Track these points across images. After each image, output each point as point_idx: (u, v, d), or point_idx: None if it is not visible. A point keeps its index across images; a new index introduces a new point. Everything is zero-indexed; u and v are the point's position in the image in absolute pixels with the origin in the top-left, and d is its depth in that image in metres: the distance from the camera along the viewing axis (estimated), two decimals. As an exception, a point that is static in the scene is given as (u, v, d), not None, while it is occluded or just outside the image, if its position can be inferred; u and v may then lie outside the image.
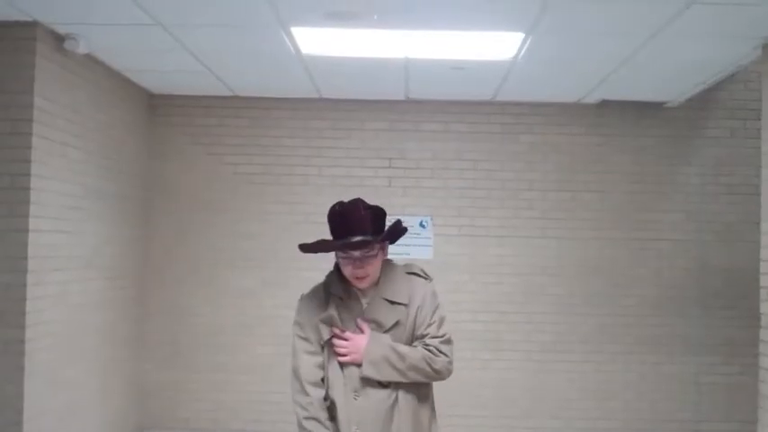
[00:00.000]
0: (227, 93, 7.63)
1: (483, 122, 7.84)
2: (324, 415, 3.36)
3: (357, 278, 3.37)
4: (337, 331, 3.37)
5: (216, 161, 7.81)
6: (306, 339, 3.46)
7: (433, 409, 3.60)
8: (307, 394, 3.37)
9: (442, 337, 3.43)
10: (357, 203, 3.43)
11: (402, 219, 3.72)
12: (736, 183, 7.76)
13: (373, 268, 3.38)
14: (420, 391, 3.45)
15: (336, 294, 3.43)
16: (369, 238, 3.31)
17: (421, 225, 7.77)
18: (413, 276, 3.55)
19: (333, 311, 3.40)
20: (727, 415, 7.67)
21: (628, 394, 7.71)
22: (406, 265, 3.62)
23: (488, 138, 7.84)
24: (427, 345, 3.39)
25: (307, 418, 3.36)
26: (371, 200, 7.53)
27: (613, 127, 7.82)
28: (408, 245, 7.71)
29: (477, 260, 7.77)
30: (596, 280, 7.75)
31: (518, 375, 7.73)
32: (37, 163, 5.43)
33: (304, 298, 3.55)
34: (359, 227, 3.31)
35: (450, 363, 3.45)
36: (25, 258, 5.32)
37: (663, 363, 7.72)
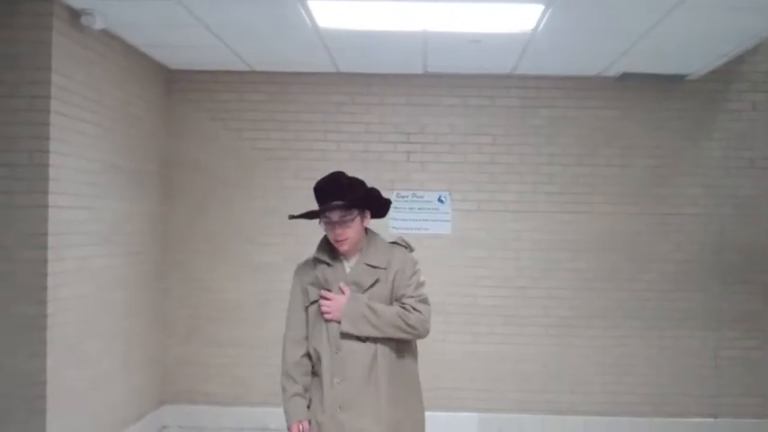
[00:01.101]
0: (245, 68, 7.62)
1: (502, 96, 7.79)
2: (300, 371, 3.82)
3: (337, 240, 3.79)
4: (323, 292, 3.78)
5: (234, 137, 7.82)
6: (294, 301, 3.93)
7: (414, 367, 4.01)
8: (288, 352, 3.85)
9: (417, 296, 3.82)
10: (337, 175, 3.88)
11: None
12: (758, 156, 7.70)
13: (352, 231, 3.79)
14: (399, 347, 3.84)
15: (324, 260, 3.87)
16: (342, 202, 3.73)
17: (439, 200, 7.75)
18: (394, 245, 3.96)
19: (319, 274, 3.84)
20: (746, 389, 7.66)
21: (646, 369, 7.70)
22: (390, 237, 4.06)
23: (507, 112, 7.79)
24: (403, 303, 3.79)
25: (284, 373, 3.84)
26: (389, 175, 7.59)
27: (634, 100, 7.75)
28: (427, 220, 7.74)
29: (496, 235, 7.75)
30: (615, 255, 7.72)
31: (536, 350, 7.73)
32: (55, 140, 5.44)
33: (299, 266, 4.00)
34: (337, 194, 3.75)
35: (426, 321, 3.82)
36: (45, 234, 5.36)
37: (682, 337, 7.70)
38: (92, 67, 6.05)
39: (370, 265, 3.82)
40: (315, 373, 3.85)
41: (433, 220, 7.74)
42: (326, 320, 3.76)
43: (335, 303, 3.75)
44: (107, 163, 6.40)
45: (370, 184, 7.78)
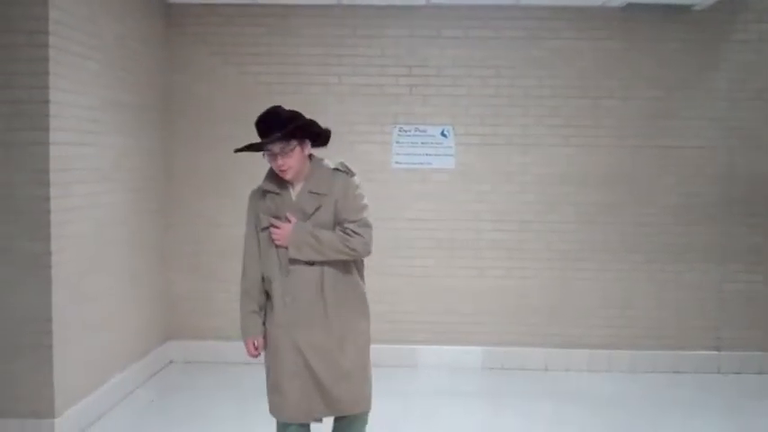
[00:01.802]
0: (245, 0, 7.51)
1: (506, 28, 7.69)
2: (256, 290, 4.19)
3: (281, 170, 4.05)
4: (272, 220, 4.08)
5: (235, 71, 7.74)
6: (249, 227, 4.24)
7: (359, 284, 4.29)
8: (246, 273, 4.23)
9: (358, 221, 4.09)
10: (275, 109, 4.07)
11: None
12: (764, 88, 7.63)
13: (293, 160, 4.03)
14: (345, 267, 4.14)
15: (271, 190, 4.14)
16: (280, 134, 3.95)
17: (442, 134, 7.70)
18: (337, 171, 4.16)
19: (269, 203, 4.13)
20: (750, 322, 7.70)
21: (650, 302, 7.73)
22: (333, 163, 4.22)
23: (511, 44, 7.70)
24: (344, 228, 4.06)
25: (242, 292, 4.23)
26: (392, 108, 7.54)
27: (639, 31, 7.65)
28: (430, 154, 7.70)
29: (500, 169, 7.72)
30: (619, 188, 7.70)
31: (540, 284, 7.76)
32: (54, 75, 5.39)
33: (251, 194, 4.27)
34: (276, 126, 3.96)
35: (367, 243, 4.12)
36: (47, 171, 5.34)
37: (685, 271, 7.71)
38: (90, 2, 5.96)
39: (313, 192, 4.09)
40: (267, 293, 4.18)
41: (436, 155, 7.71)
42: (277, 246, 4.07)
43: (283, 231, 4.03)
44: (108, 99, 6.35)
45: (372, 119, 7.78)
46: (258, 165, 7.67)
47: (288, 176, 4.06)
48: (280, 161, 4.01)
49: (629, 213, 7.71)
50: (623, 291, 7.74)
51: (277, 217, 4.08)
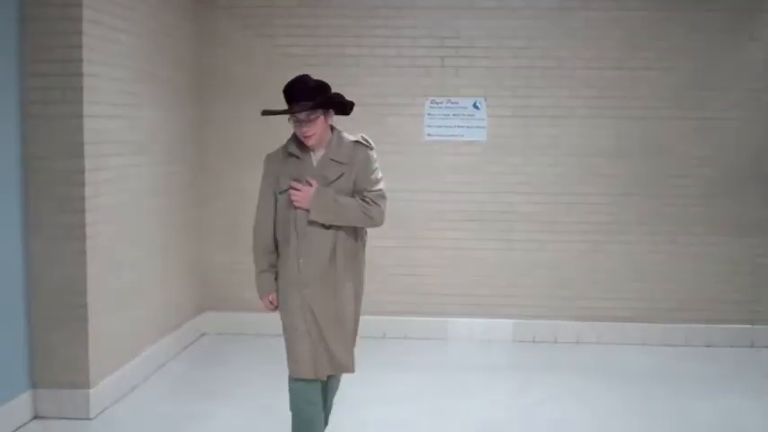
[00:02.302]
0: (276, -28, 7.49)
1: (539, -1, 7.63)
2: (269, 250, 4.36)
3: (305, 136, 4.20)
4: (293, 183, 4.20)
5: (266, 44, 7.72)
6: (265, 188, 4.37)
7: (362, 251, 4.47)
8: (259, 233, 4.37)
9: (377, 191, 4.29)
10: (303, 77, 4.26)
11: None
12: (803, 58, 7.51)
13: (317, 128, 4.19)
14: (355, 234, 4.33)
15: (293, 154, 4.29)
16: (308, 103, 4.12)
17: (475, 106, 7.66)
18: (357, 143, 4.33)
19: (291, 166, 4.27)
20: (785, 295, 7.64)
21: (683, 276, 7.68)
22: (353, 135, 4.39)
23: (544, 14, 7.62)
24: (364, 197, 4.25)
25: (255, 250, 4.39)
26: (423, 81, 7.52)
27: (674, 1, 7.54)
28: (462, 126, 7.67)
29: (532, 141, 7.67)
30: (653, 160, 7.63)
31: (572, 257, 7.72)
32: (88, 48, 5.40)
33: (269, 155, 4.43)
34: (302, 95, 4.14)
35: (383, 213, 4.30)
36: (81, 144, 5.37)
37: (720, 244, 7.64)
38: (122, -26, 5.97)
39: (334, 161, 4.25)
40: (279, 253, 4.34)
41: (468, 127, 7.67)
42: (295, 208, 4.20)
43: (304, 194, 4.16)
44: (141, 72, 6.37)
45: (404, 91, 7.73)
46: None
47: (311, 142, 4.21)
48: (305, 128, 4.17)
49: (662, 186, 7.64)
50: (656, 264, 7.69)
51: (297, 180, 4.21)
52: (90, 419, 5.47)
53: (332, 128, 4.33)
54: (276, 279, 4.37)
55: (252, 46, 7.73)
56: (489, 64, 7.66)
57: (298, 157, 4.28)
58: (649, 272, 7.69)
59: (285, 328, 4.33)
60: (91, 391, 5.50)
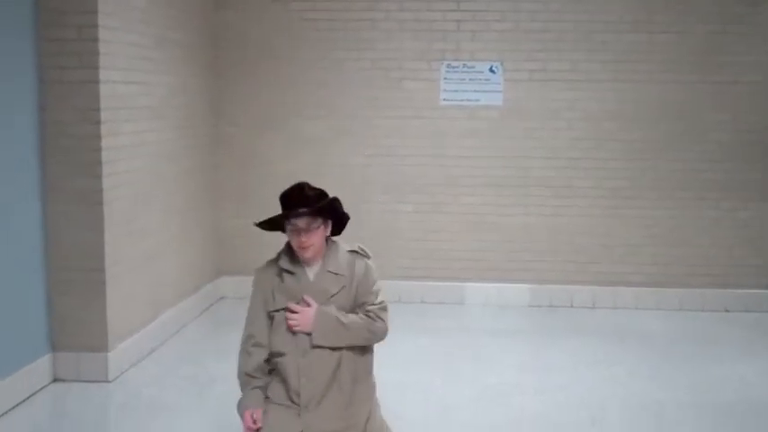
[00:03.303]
0: (291, -64, 7.44)
1: (556, -39, 7.55)
2: (262, 372, 3.89)
3: (302, 247, 3.81)
4: (290, 305, 3.81)
5: (281, 8, 7.69)
6: (256, 307, 3.96)
7: (371, 363, 4.02)
8: (249, 354, 3.90)
9: (379, 304, 3.90)
10: (302, 184, 3.97)
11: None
12: (823, 20, 7.41)
13: (316, 238, 3.83)
14: (361, 349, 3.92)
15: (287, 269, 3.90)
16: (308, 209, 3.79)
17: (491, 70, 7.61)
18: (354, 254, 3.98)
19: (286, 283, 3.88)
20: (803, 260, 7.61)
21: (700, 240, 7.65)
22: (348, 245, 4.03)
23: (561, -23, 7.56)
24: (368, 311, 3.87)
25: (246, 374, 3.89)
26: (439, 45, 7.47)
27: (694, -37, 7.46)
28: (477, 91, 7.63)
29: (548, 105, 7.63)
30: (670, 124, 7.57)
31: (588, 222, 7.70)
32: (103, 14, 5.39)
33: (259, 270, 4.01)
34: (303, 202, 3.82)
35: (387, 328, 3.92)
36: (98, 110, 5.38)
37: (737, 209, 7.60)
38: (136, -62, 5.95)
39: (332, 273, 3.89)
40: (272, 370, 3.93)
41: (484, 91, 7.63)
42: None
43: (303, 316, 3.81)
44: (157, 37, 6.36)
45: (420, 55, 7.68)
46: (307, 103, 7.68)
47: (308, 254, 3.84)
48: (303, 237, 3.79)
49: (680, 150, 7.59)
50: (673, 228, 7.66)
51: (293, 298, 3.85)
52: (108, 382, 5.53)
53: (327, 239, 3.95)
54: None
55: (267, 10, 7.69)
56: (505, 28, 7.60)
57: (291, 273, 3.89)
58: (666, 236, 7.67)
59: None
60: (109, 354, 5.56)
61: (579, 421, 4.98)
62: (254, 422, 3.77)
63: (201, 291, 7.41)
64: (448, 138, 7.70)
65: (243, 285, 8.02)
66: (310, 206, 3.81)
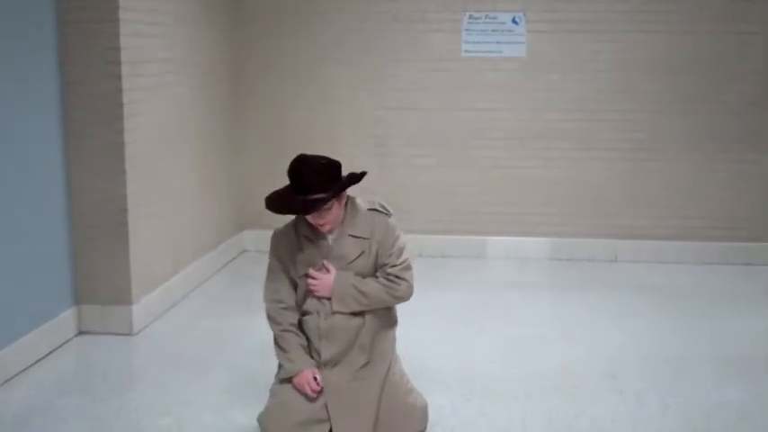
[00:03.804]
0: None
1: None
2: (295, 328, 3.89)
3: (318, 225, 3.77)
4: (310, 271, 3.80)
5: (302, -42, 7.63)
6: (276, 270, 3.93)
7: (394, 326, 4.05)
8: (280, 314, 3.88)
9: (401, 264, 3.85)
10: (307, 162, 3.73)
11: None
12: None
13: (331, 217, 3.75)
14: (384, 312, 3.93)
15: (305, 234, 3.85)
16: (321, 195, 3.63)
17: (513, 21, 7.52)
18: (374, 212, 3.89)
19: (304, 248, 3.84)
20: (827, 213, 7.54)
21: (723, 193, 7.59)
22: (368, 202, 3.93)
23: (585, -74, 7.43)
24: (388, 274, 3.83)
25: (283, 331, 3.88)
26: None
27: None
28: (500, 42, 7.56)
29: (571, 57, 7.54)
30: (694, 76, 7.48)
31: (609, 174, 7.65)
32: (122, -36, 5.37)
33: (277, 235, 3.95)
34: (311, 184, 3.65)
35: (411, 286, 3.89)
36: (119, 63, 5.36)
37: (761, 161, 7.52)
38: None
39: (353, 236, 3.83)
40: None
41: (506, 43, 7.55)
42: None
43: (322, 283, 3.79)
44: (175, -11, 6.33)
45: (441, 6, 7.57)
46: (327, 56, 7.63)
47: (326, 229, 3.81)
48: (319, 221, 3.75)
49: (703, 101, 7.50)
50: (696, 181, 7.60)
51: (312, 264, 3.83)
52: (133, 335, 5.60)
53: (345, 202, 3.87)
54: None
55: (287, -39, 7.64)
56: (528, -22, 7.51)
57: (310, 240, 3.85)
58: (688, 189, 7.61)
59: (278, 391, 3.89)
60: (133, 307, 5.61)
61: (600, 374, 4.99)
62: (317, 381, 3.78)
63: (224, 244, 7.45)
64: (469, 90, 7.64)
65: (265, 240, 8.00)
66: (320, 189, 3.65)
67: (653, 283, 7.03)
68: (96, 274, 5.55)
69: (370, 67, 7.64)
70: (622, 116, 7.56)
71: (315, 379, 3.78)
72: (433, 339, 5.53)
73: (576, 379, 4.92)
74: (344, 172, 3.82)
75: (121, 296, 5.58)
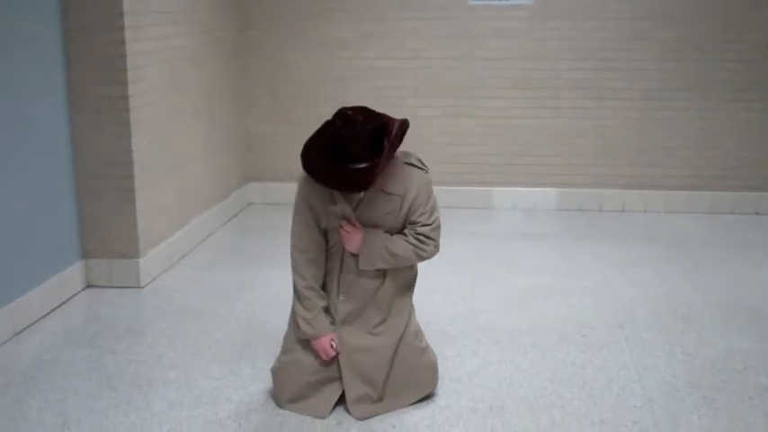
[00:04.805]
0: None
1: None
2: (319, 287, 3.80)
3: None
4: (343, 223, 3.67)
5: None
6: (302, 218, 3.76)
7: (412, 285, 3.99)
8: (306, 266, 3.77)
9: (432, 224, 3.74)
10: (355, 126, 3.51)
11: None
12: None
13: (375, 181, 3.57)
14: (404, 272, 3.87)
15: None
16: (369, 165, 3.45)
17: (520, -31, 7.42)
18: (410, 167, 3.76)
19: (335, 199, 3.67)
20: (837, 161, 7.49)
21: (732, 143, 7.53)
22: (404, 155, 3.80)
23: None
24: (418, 233, 3.72)
25: (307, 288, 3.77)
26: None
27: None
28: (507, -10, 7.46)
29: (579, 4, 7.43)
30: (704, 24, 7.37)
31: (618, 124, 7.60)
32: None
33: (308, 181, 3.70)
34: (362, 156, 3.46)
35: (438, 245, 3.79)
36: (122, 15, 5.30)
37: (771, 109, 7.47)
38: None
39: (385, 192, 3.69)
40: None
41: (514, -9, 7.46)
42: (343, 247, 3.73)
43: (351, 238, 3.68)
44: (177, -61, 6.25)
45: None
46: (331, 7, 7.55)
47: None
48: None
49: (714, 50, 7.41)
50: (705, 130, 7.54)
51: (343, 216, 3.70)
52: (141, 288, 5.62)
53: None
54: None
55: None
56: (536, -76, 7.39)
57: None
58: (697, 139, 7.56)
59: (291, 347, 3.89)
60: (140, 260, 5.62)
61: (608, 323, 5.00)
62: (333, 347, 3.76)
63: (230, 197, 7.44)
64: (476, 39, 7.55)
65: (271, 192, 8.08)
66: (366, 158, 3.45)
67: (661, 233, 7.02)
68: (103, 227, 5.56)
69: (374, 18, 7.56)
70: (631, 65, 7.48)
71: (332, 346, 3.77)
72: (439, 291, 5.54)
73: (584, 329, 4.93)
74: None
75: (128, 250, 5.59)
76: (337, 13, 7.61)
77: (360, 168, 3.45)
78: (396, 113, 7.65)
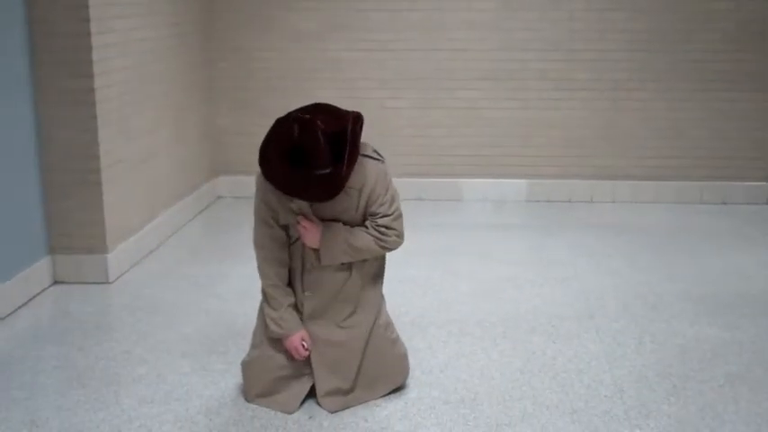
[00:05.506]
0: None
1: None
2: (285, 284, 3.78)
3: None
4: (301, 219, 3.65)
5: None
6: (261, 217, 3.78)
7: (381, 277, 3.95)
8: (270, 268, 3.77)
9: (392, 214, 3.70)
10: (314, 131, 3.43)
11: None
12: None
13: None
14: (371, 263, 3.84)
15: None
16: (330, 171, 3.41)
17: (488, -40, 7.40)
18: (366, 159, 3.69)
19: (291, 203, 3.65)
20: (802, 151, 7.57)
21: (700, 133, 7.59)
22: (360, 146, 3.67)
23: None
24: (378, 225, 3.68)
25: (271, 286, 3.77)
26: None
27: None
28: (475, -18, 7.44)
29: (547, -4, 7.47)
30: (672, 14, 7.41)
31: (587, 115, 7.62)
32: None
33: (263, 180, 3.70)
34: (321, 162, 3.41)
35: (401, 235, 3.75)
36: (86, 7, 5.23)
37: (739, 100, 7.51)
38: None
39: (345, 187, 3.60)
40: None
41: (481, -18, 7.45)
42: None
43: (311, 233, 3.65)
44: (142, -70, 6.18)
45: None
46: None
47: None
48: None
49: (682, 40, 7.45)
50: (673, 120, 7.59)
51: (300, 212, 3.67)
52: (109, 283, 5.56)
53: None
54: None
55: None
56: None
57: None
58: (665, 129, 7.60)
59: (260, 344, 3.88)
60: (109, 255, 5.56)
61: (578, 314, 5.02)
62: (305, 346, 3.75)
63: (198, 191, 7.38)
64: (443, 29, 7.54)
65: (240, 185, 8.03)
66: (327, 165, 3.40)
67: (630, 224, 7.06)
68: (70, 222, 5.49)
69: (341, 9, 7.52)
70: (600, 56, 7.51)
71: (304, 346, 3.76)
72: (409, 282, 5.53)
73: (554, 319, 4.95)
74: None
75: (96, 245, 5.53)
76: (305, 3, 7.56)
77: (324, 174, 3.41)
78: (364, 105, 7.67)
